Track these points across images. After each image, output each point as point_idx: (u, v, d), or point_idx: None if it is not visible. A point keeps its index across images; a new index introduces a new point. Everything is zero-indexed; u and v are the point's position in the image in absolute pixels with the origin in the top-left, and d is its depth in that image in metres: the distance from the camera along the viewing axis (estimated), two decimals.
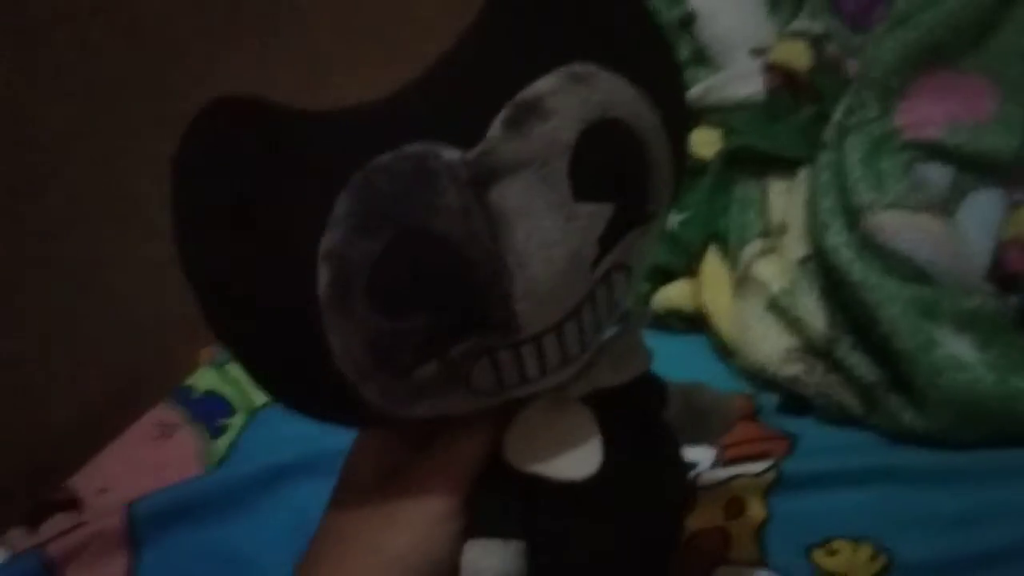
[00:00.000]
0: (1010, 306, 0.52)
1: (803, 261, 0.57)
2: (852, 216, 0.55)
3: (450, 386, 0.28)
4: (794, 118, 0.63)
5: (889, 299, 0.52)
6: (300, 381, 0.27)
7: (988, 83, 0.56)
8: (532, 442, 0.31)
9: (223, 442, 0.58)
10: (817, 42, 0.65)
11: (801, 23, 0.67)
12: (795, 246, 0.58)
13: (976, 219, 0.54)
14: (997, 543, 0.46)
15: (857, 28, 0.66)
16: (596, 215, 0.26)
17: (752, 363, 0.57)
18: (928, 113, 0.57)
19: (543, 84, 0.25)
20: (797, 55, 0.64)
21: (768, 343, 0.57)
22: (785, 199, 0.61)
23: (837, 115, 0.59)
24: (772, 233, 0.60)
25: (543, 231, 0.26)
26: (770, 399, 0.57)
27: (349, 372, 0.26)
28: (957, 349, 0.51)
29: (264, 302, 0.26)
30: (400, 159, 0.25)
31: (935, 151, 0.56)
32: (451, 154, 0.25)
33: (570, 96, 0.25)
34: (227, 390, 0.61)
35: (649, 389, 0.35)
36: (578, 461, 0.31)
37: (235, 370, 0.62)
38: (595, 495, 0.31)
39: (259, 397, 0.60)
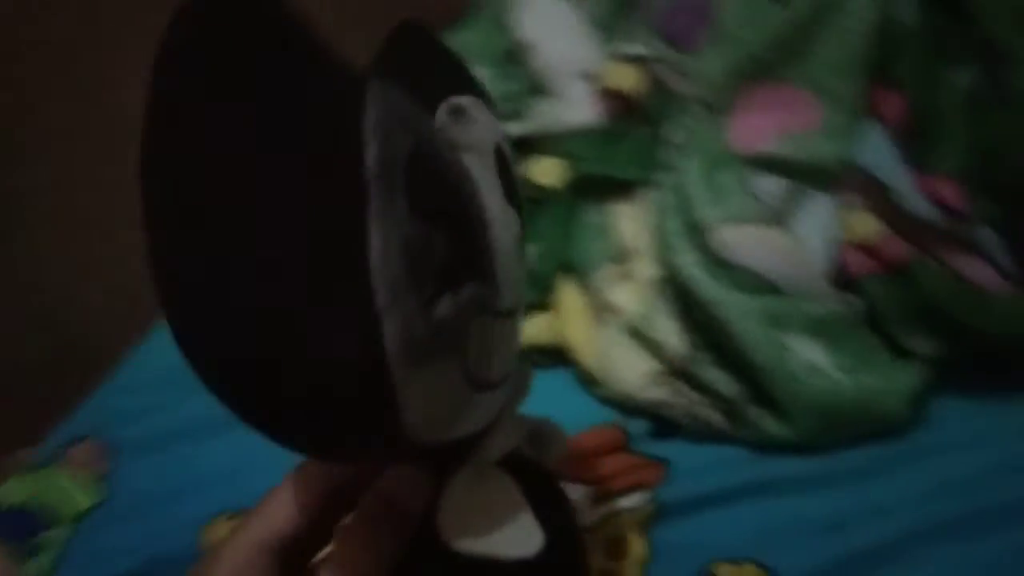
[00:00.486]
0: (855, 308, 0.54)
1: (656, 283, 0.57)
2: (697, 234, 0.55)
3: (453, 349, 0.26)
4: (631, 141, 0.63)
5: (740, 314, 0.52)
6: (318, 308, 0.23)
7: (810, 95, 0.58)
8: (468, 520, 0.29)
9: (44, 560, 0.51)
10: (646, 64, 0.65)
11: (628, 46, 0.67)
12: (647, 269, 0.58)
13: (812, 226, 0.56)
14: (869, 542, 0.47)
15: (680, 49, 0.67)
16: (517, 221, 0.29)
17: (618, 391, 0.56)
18: (758, 126, 0.59)
19: (463, 98, 0.29)
20: (627, 78, 0.65)
21: (631, 369, 0.56)
22: (633, 223, 0.60)
23: (672, 135, 0.60)
24: (623, 258, 0.60)
25: (497, 206, 0.28)
26: (640, 426, 0.56)
27: (382, 287, 0.23)
28: (811, 355, 0.52)
29: (296, 211, 0.23)
30: (397, 90, 0.25)
31: (768, 163, 0.58)
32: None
33: (483, 112, 0.29)
34: (45, 499, 0.54)
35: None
36: (522, 536, 0.29)
37: (54, 474, 0.55)
38: (540, 570, 0.29)
39: (84, 501, 0.53)
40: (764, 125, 0.59)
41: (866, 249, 0.55)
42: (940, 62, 0.60)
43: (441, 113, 0.28)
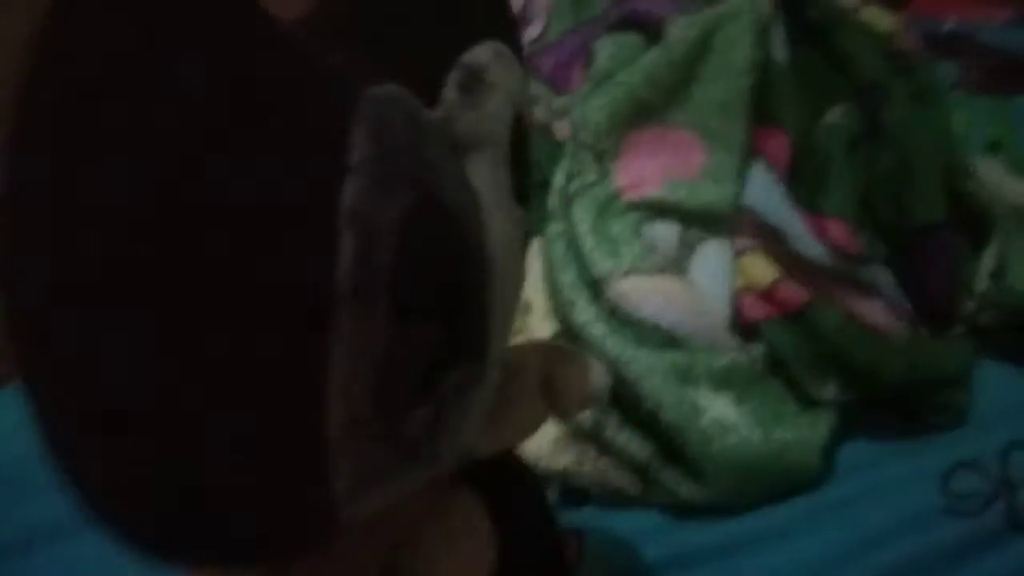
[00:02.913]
0: (756, 356, 0.52)
1: (554, 340, 0.53)
2: (594, 288, 0.52)
3: (422, 454, 0.21)
4: None
5: (648, 371, 0.49)
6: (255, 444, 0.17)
7: (695, 136, 0.57)
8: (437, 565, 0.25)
9: None
10: None
11: None
12: (542, 325, 0.54)
13: (709, 273, 0.54)
14: None
15: (557, 89, 0.64)
16: (523, 222, 0.22)
17: None
18: (644, 171, 0.56)
19: (480, 53, 0.21)
20: None
21: (535, 435, 0.51)
22: None
23: (558, 181, 0.57)
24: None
25: (503, 226, 0.21)
26: (548, 496, 0.51)
27: (339, 423, 0.18)
28: (720, 411, 0.49)
29: (242, 299, 0.16)
30: (395, 98, 0.18)
31: (658, 209, 0.55)
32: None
33: (504, 73, 0.21)
34: None
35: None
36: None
37: None
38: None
39: None
40: (651, 170, 0.56)
41: (762, 294, 0.53)
42: (817, 101, 0.60)
43: (450, 90, 0.20)
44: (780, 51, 0.59)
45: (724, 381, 0.50)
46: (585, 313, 0.51)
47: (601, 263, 0.52)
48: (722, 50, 0.56)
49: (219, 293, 0.16)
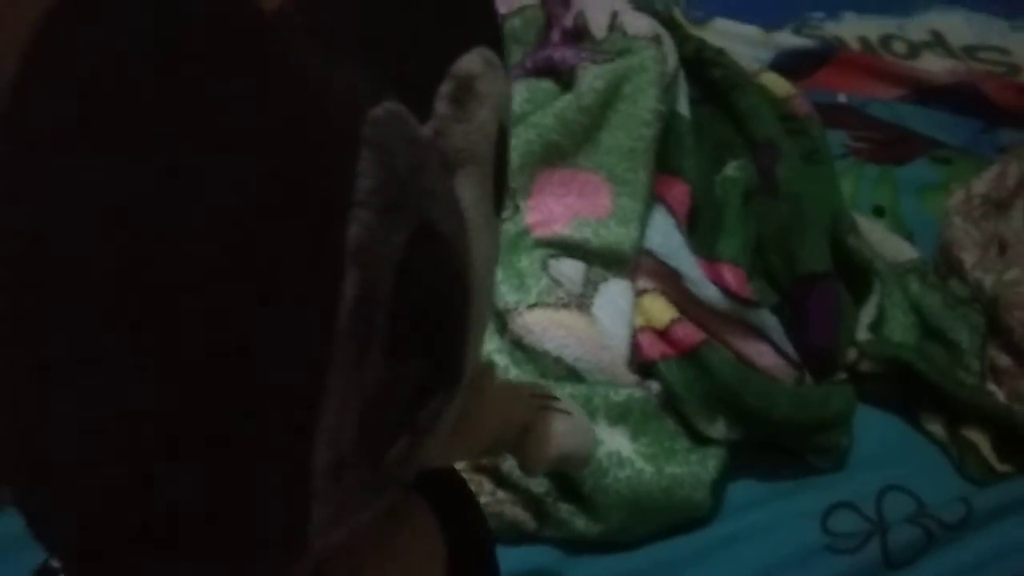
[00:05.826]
0: (653, 393, 0.53)
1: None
2: (500, 320, 0.52)
3: (395, 479, 0.20)
4: None
5: None
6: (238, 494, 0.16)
7: (602, 179, 0.59)
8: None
9: None
10: None
11: None
12: None
13: (611, 310, 0.55)
14: None
15: None
16: (497, 237, 0.22)
17: None
18: (552, 210, 0.58)
19: (470, 62, 0.20)
20: None
21: None
22: None
23: None
24: None
25: (484, 245, 0.20)
26: None
27: (326, 460, 0.17)
28: (616, 444, 0.50)
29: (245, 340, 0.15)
30: (394, 117, 0.17)
31: (565, 247, 0.57)
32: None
33: (492, 83, 0.20)
34: None
35: None
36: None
37: None
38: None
39: None
40: (560, 209, 0.58)
41: (659, 333, 0.55)
42: (716, 154, 0.63)
43: (441, 103, 0.19)
44: (684, 106, 0.62)
45: (620, 416, 0.51)
46: (490, 344, 0.51)
47: (508, 295, 0.52)
48: (628, 101, 0.59)
49: (213, 345, 0.15)
